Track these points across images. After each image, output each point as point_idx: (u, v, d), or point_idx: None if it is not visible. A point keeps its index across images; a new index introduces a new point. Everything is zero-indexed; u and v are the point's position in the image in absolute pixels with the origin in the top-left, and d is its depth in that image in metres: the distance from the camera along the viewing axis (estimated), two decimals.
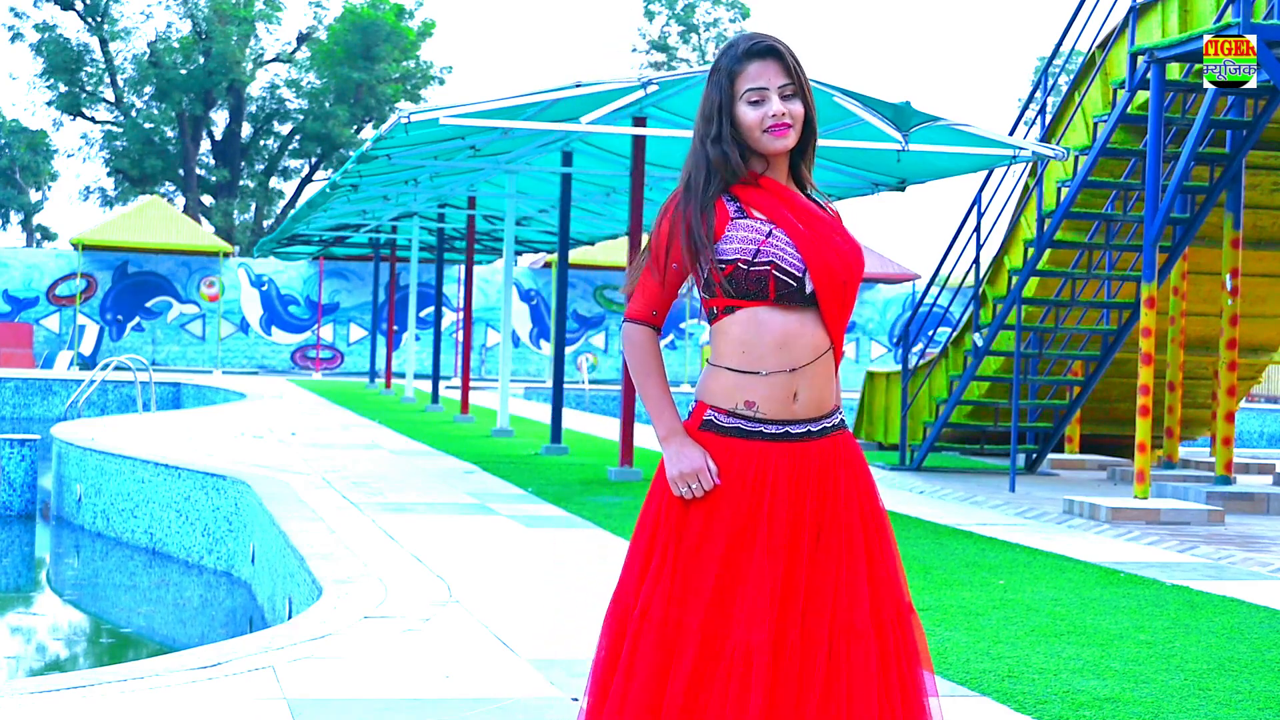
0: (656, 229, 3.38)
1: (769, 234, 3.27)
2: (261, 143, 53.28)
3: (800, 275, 3.27)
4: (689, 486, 3.25)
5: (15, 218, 57.32)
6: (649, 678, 3.23)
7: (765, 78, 3.31)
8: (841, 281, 3.30)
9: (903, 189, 15.38)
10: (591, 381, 35.94)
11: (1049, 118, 15.44)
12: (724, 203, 3.32)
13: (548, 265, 39.83)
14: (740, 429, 3.28)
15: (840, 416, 3.38)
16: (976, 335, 14.91)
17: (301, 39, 52.65)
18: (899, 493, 12.86)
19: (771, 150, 3.32)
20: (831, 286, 3.28)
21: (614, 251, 37.83)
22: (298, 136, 52.45)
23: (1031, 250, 14.07)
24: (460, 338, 36.21)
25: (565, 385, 21.23)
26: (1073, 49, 15.18)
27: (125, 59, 51.16)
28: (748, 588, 3.22)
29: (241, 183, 52.75)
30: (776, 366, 3.27)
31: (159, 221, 37.87)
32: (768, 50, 3.32)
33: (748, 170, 3.35)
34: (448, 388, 30.11)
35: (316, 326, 37.91)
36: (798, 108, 3.33)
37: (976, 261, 15.04)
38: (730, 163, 3.32)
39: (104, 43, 50.31)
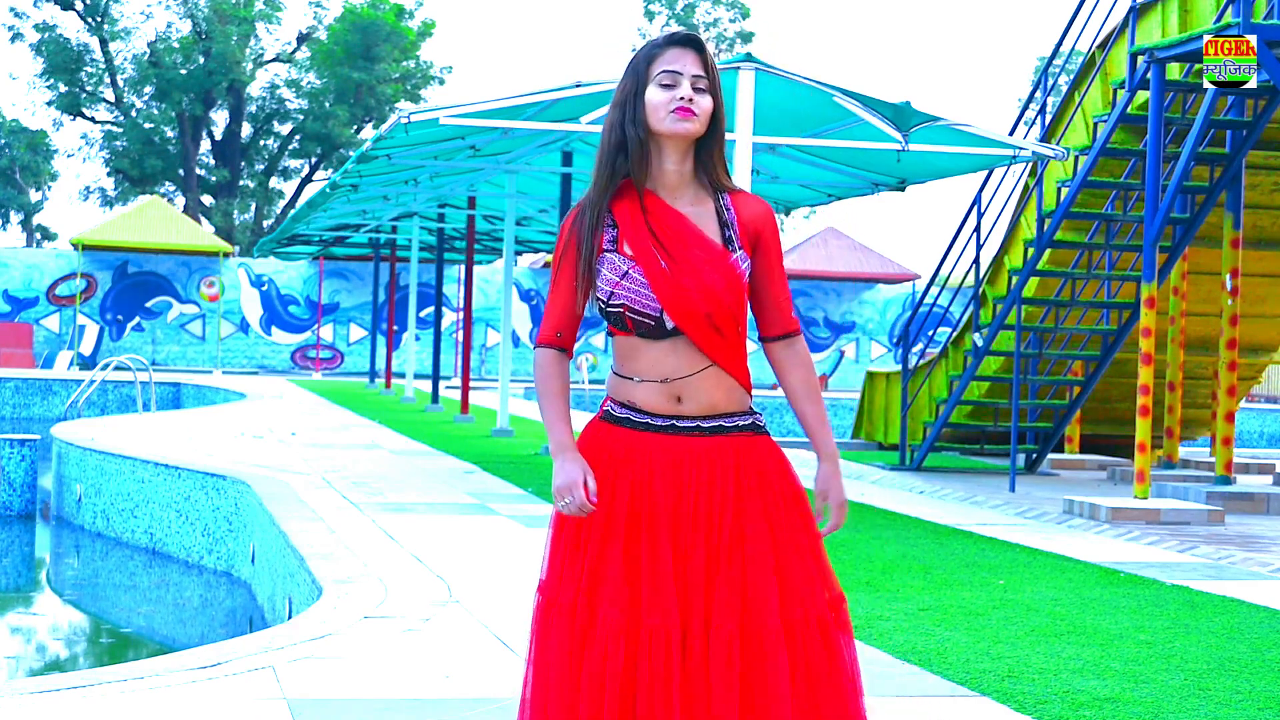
0: (556, 249, 3.43)
1: (625, 274, 3.33)
2: (261, 143, 53.27)
3: (657, 315, 3.33)
4: (563, 501, 3.33)
5: (15, 218, 57.30)
6: (567, 665, 3.29)
7: (681, 64, 3.36)
8: (704, 314, 3.32)
9: (903, 189, 15.38)
10: (591, 381, 35.95)
11: (1049, 118, 15.44)
12: (606, 229, 3.37)
13: (547, 265, 39.84)
14: (629, 419, 3.39)
15: (750, 420, 3.40)
16: (976, 335, 14.91)
17: (301, 39, 52.63)
18: (899, 493, 12.87)
19: (673, 132, 3.34)
20: (692, 321, 3.32)
21: None
22: (298, 136, 52.43)
23: (1031, 250, 14.06)
24: (460, 338, 36.21)
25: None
26: (1073, 49, 15.18)
27: (125, 59, 51.15)
28: (646, 571, 3.29)
29: (241, 183, 52.74)
30: (650, 377, 3.36)
31: (159, 221, 37.85)
32: (687, 40, 3.38)
33: (638, 168, 3.36)
34: (448, 388, 30.10)
35: (316, 326, 37.92)
36: (707, 101, 3.37)
37: (976, 261, 15.04)
38: (643, 148, 3.35)
39: (104, 43, 50.29)
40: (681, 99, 3.33)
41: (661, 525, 3.31)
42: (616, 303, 3.33)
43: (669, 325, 3.32)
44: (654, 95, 3.35)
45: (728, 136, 3.49)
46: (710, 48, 3.40)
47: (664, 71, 3.35)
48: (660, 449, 3.35)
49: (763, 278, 3.43)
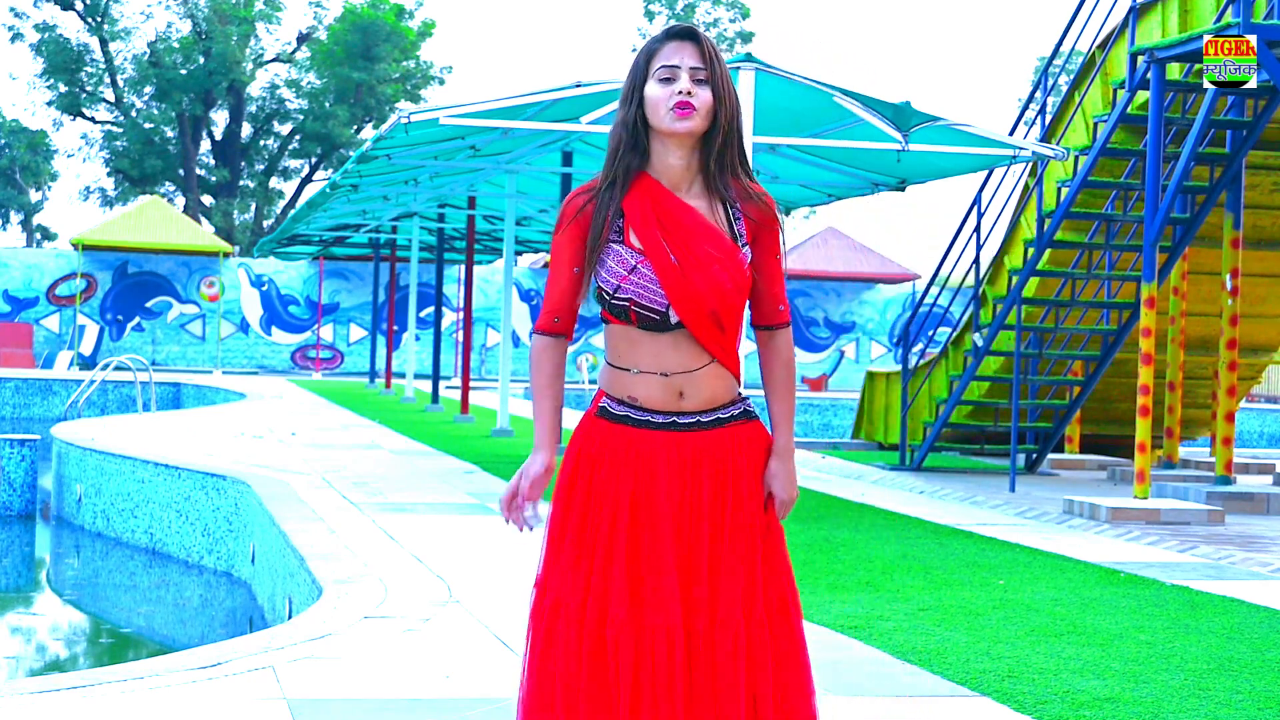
0: (556, 230, 3.41)
1: (633, 269, 3.31)
2: (261, 143, 53.26)
3: (663, 310, 3.31)
4: (513, 495, 3.48)
5: (15, 218, 57.31)
6: (575, 667, 3.29)
7: (679, 57, 3.32)
8: (709, 311, 3.31)
9: (903, 189, 15.38)
10: (591, 381, 35.94)
11: (1049, 118, 15.44)
12: (611, 219, 3.34)
13: (547, 265, 39.80)
14: (629, 417, 3.38)
15: (743, 407, 3.42)
16: (976, 335, 14.91)
17: (301, 39, 52.62)
18: (899, 493, 12.86)
19: (671, 130, 3.31)
20: (698, 317, 3.31)
21: None
22: (298, 136, 52.42)
23: (1031, 250, 14.06)
24: (460, 338, 36.20)
25: (565, 385, 21.22)
26: (1073, 49, 15.18)
27: (125, 59, 51.14)
28: (651, 570, 3.30)
29: (241, 183, 52.73)
30: (650, 369, 3.35)
31: (159, 221, 37.83)
32: (685, 32, 3.35)
33: (646, 163, 3.35)
34: (448, 388, 30.10)
35: (316, 326, 37.91)
36: (707, 94, 3.32)
37: (976, 261, 15.04)
38: (648, 144, 3.33)
39: (104, 43, 50.28)
40: (680, 93, 3.29)
41: (666, 524, 3.32)
42: (623, 297, 3.31)
43: (673, 320, 3.31)
44: (653, 91, 3.32)
45: None
46: (709, 38, 3.37)
47: (662, 66, 3.32)
48: (663, 447, 3.35)
49: (759, 268, 3.41)
